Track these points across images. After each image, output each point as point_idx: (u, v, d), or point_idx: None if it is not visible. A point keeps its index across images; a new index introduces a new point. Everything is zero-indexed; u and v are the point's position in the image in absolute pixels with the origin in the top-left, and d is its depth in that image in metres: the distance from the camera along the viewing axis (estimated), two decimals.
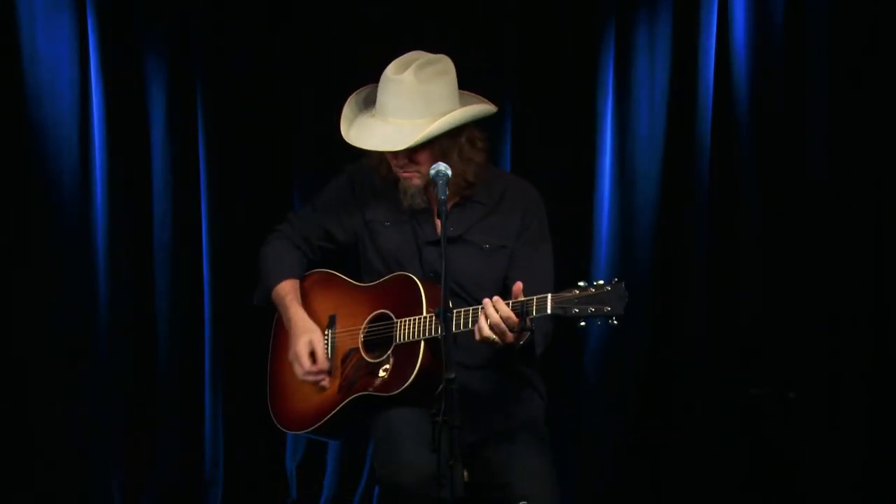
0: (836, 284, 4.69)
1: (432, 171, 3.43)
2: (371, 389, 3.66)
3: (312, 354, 3.74)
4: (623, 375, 4.85)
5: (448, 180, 3.44)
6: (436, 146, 3.61)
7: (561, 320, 3.38)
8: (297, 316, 3.80)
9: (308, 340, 3.74)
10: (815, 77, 4.67)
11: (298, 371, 3.75)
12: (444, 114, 3.60)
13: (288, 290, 3.86)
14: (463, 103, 3.68)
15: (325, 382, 3.74)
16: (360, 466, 4.94)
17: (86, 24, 4.73)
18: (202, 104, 4.85)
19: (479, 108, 3.69)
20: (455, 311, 3.46)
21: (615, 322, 3.30)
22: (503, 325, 3.36)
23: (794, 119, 4.71)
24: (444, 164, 3.44)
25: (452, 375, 3.18)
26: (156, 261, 4.90)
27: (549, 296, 3.35)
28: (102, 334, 4.85)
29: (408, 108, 3.60)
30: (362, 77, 4.83)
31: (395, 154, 3.64)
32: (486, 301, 3.39)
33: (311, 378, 3.74)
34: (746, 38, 4.71)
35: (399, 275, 3.70)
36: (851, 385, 4.69)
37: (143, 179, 4.88)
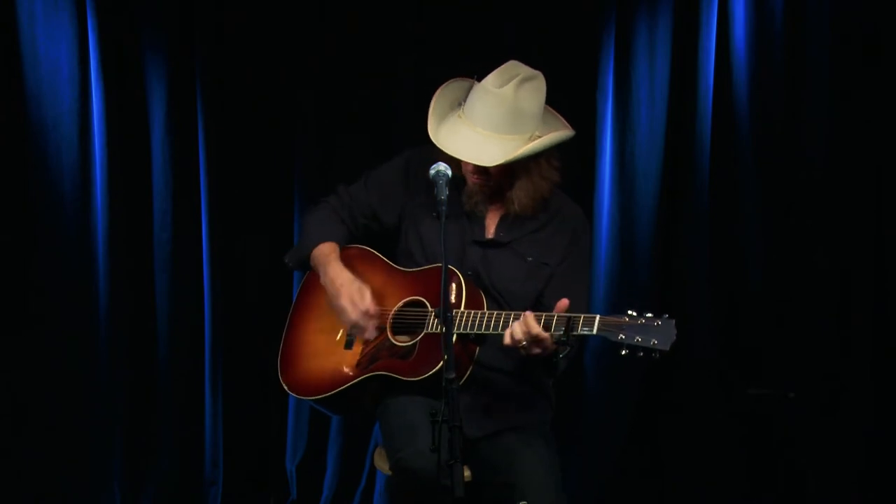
0: (836, 284, 4.69)
1: (432, 171, 3.46)
2: (392, 371, 3.66)
3: (364, 300, 3.71)
4: (623, 374, 4.85)
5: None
6: (519, 163, 3.67)
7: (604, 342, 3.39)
8: (342, 272, 3.78)
9: (359, 286, 3.72)
10: (815, 77, 4.67)
11: (352, 312, 3.69)
12: (531, 133, 3.66)
13: (331, 250, 3.85)
14: (545, 122, 3.74)
15: (372, 330, 3.71)
16: (360, 466, 4.95)
17: (86, 24, 4.73)
18: (202, 104, 4.85)
19: (563, 133, 3.75)
20: (484, 312, 3.53)
21: (657, 357, 3.30)
22: (543, 334, 3.39)
23: (794, 119, 4.71)
24: (444, 165, 3.47)
25: (452, 375, 3.18)
26: (156, 261, 4.90)
27: (598, 317, 3.37)
28: (102, 334, 4.85)
29: (500, 123, 3.64)
30: (362, 76, 4.85)
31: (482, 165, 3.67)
32: (527, 315, 3.41)
33: (363, 321, 3.69)
34: (746, 38, 4.71)
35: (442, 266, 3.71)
36: (851, 385, 4.69)
37: (143, 179, 4.88)
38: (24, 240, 4.78)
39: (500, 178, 3.70)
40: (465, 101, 3.74)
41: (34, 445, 4.81)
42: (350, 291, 3.71)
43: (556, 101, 4.85)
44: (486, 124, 3.65)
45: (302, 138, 4.93)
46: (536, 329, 3.39)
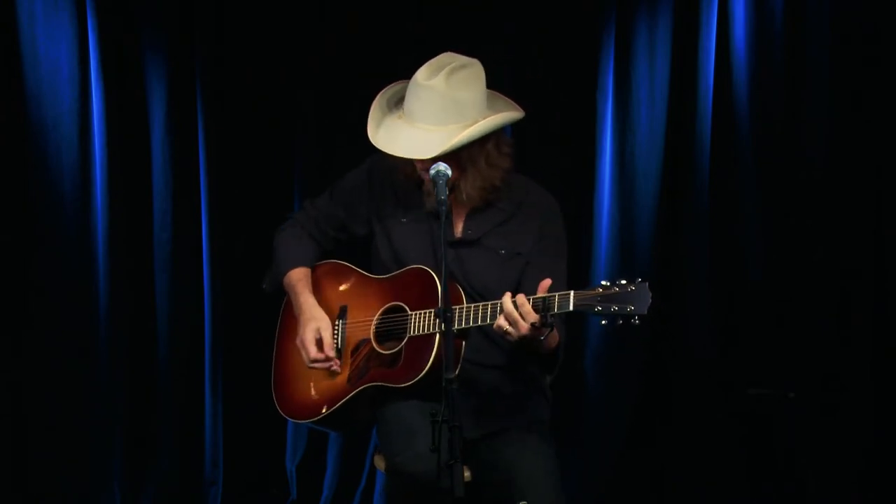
0: (836, 284, 4.69)
1: (432, 171, 3.42)
2: (383, 380, 3.65)
3: (319, 342, 3.74)
4: (623, 374, 4.85)
5: (450, 182, 3.46)
6: (463, 153, 3.59)
7: (580, 319, 3.36)
8: (307, 303, 3.79)
9: (315, 328, 3.74)
10: (815, 77, 4.67)
11: (305, 358, 3.75)
12: (473, 120, 3.59)
13: (300, 277, 3.85)
14: (491, 107, 3.67)
15: (335, 367, 3.73)
16: (360, 466, 4.95)
17: (86, 24, 4.73)
18: (202, 104, 4.85)
19: (508, 115, 3.68)
20: (465, 306, 3.49)
21: (637, 322, 3.28)
22: (515, 314, 3.36)
23: (794, 119, 4.71)
24: (444, 164, 3.43)
25: (452, 375, 3.17)
26: (156, 261, 4.90)
27: (572, 292, 3.33)
28: (102, 334, 4.85)
29: (437, 115, 3.58)
30: (362, 76, 4.85)
31: (422, 158, 3.62)
32: (506, 297, 3.39)
33: (317, 365, 3.74)
34: (746, 38, 4.71)
35: (415, 268, 3.69)
36: (851, 385, 4.69)
37: (143, 179, 4.88)
38: (24, 240, 4.78)
39: (454, 170, 3.58)
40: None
41: (34, 445, 4.81)
42: (303, 336, 3.75)
43: (556, 100, 4.88)
44: (423, 118, 3.60)
45: (302, 138, 4.93)
46: (527, 305, 3.36)
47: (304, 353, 3.76)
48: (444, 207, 3.36)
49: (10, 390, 4.79)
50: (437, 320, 3.53)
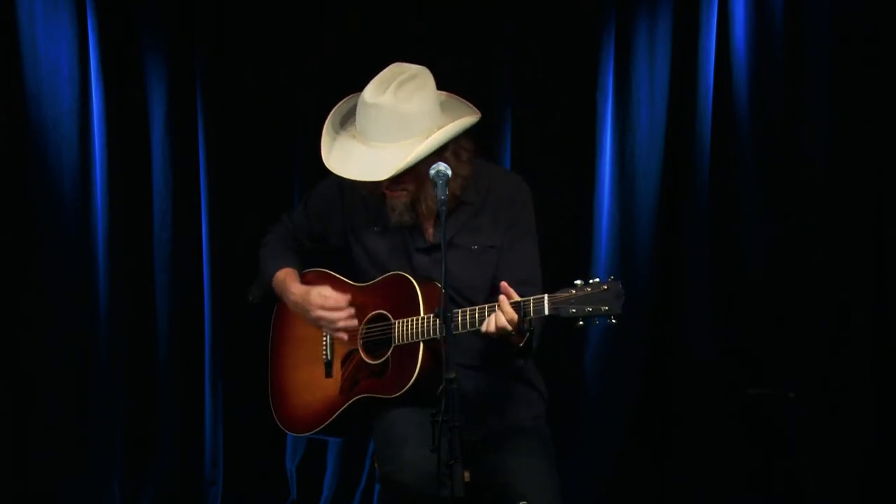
0: (836, 284, 4.69)
1: (432, 171, 3.38)
2: (372, 391, 3.66)
3: (328, 299, 3.71)
4: (623, 374, 4.85)
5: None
6: (421, 166, 3.53)
7: (558, 320, 3.37)
8: (301, 288, 3.79)
9: (319, 292, 3.71)
10: (815, 77, 4.67)
11: (330, 317, 3.69)
12: (427, 131, 3.54)
13: (287, 274, 3.86)
14: (446, 113, 3.62)
15: (349, 321, 3.69)
16: (360, 466, 4.95)
17: (86, 24, 4.74)
18: (202, 104, 4.85)
19: (462, 122, 3.61)
20: (454, 311, 3.45)
21: (613, 321, 3.28)
22: (509, 328, 3.36)
23: (794, 119, 4.71)
24: (444, 164, 3.39)
25: (452, 375, 3.16)
26: (156, 260, 4.90)
27: (546, 296, 3.33)
28: (102, 334, 4.85)
29: (389, 132, 3.53)
30: (362, 76, 4.85)
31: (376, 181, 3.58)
32: (497, 306, 3.38)
33: (343, 319, 3.68)
34: (746, 38, 4.71)
35: (394, 275, 3.69)
36: (851, 385, 4.69)
37: (143, 179, 4.88)
38: (24, 240, 4.78)
39: (413, 184, 3.59)
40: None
41: (34, 445, 4.81)
42: (316, 300, 3.72)
43: (556, 100, 4.88)
44: (375, 136, 3.55)
45: (302, 138, 4.93)
46: (512, 313, 3.35)
47: (326, 316, 3.68)
48: (443, 207, 3.33)
49: (10, 390, 4.79)
50: (420, 328, 3.54)
